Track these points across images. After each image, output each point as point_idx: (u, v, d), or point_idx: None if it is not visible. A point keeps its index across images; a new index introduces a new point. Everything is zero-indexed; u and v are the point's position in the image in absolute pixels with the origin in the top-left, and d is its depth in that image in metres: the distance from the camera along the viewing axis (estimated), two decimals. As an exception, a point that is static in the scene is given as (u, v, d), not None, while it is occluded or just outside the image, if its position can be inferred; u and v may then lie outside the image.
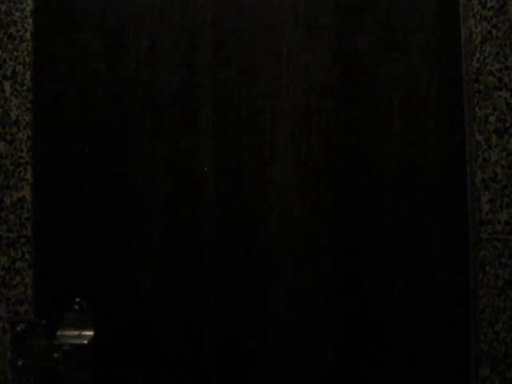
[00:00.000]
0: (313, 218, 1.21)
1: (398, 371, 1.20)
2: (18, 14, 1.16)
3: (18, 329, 1.12)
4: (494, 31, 1.19)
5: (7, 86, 1.15)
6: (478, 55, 1.19)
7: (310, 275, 1.20)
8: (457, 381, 1.20)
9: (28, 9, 1.16)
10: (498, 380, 1.15)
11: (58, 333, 1.13)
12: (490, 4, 1.19)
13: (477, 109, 1.19)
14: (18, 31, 1.16)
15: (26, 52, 1.16)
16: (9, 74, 1.15)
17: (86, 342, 1.12)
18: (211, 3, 1.22)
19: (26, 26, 1.16)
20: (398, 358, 1.20)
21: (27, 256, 1.14)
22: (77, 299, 1.15)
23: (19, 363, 1.10)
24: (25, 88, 1.16)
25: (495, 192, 1.17)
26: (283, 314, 1.20)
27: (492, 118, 1.18)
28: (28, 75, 1.16)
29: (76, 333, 1.14)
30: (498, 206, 1.17)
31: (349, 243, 1.21)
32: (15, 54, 1.16)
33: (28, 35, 1.16)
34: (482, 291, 1.17)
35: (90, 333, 1.14)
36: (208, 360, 1.19)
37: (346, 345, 1.20)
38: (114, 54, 1.21)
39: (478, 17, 1.19)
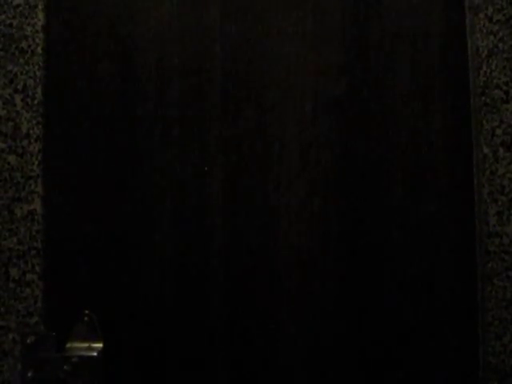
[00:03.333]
0: (321, 231, 1.21)
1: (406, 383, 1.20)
2: (29, 28, 1.17)
3: (28, 341, 1.12)
4: (500, 45, 1.19)
5: (18, 99, 1.16)
6: (484, 68, 1.20)
7: (318, 286, 1.21)
8: (465, 393, 1.20)
9: (39, 24, 1.17)
10: (506, 393, 1.15)
11: (68, 345, 1.13)
12: (496, 18, 1.20)
13: (484, 122, 1.19)
14: (30, 46, 1.17)
15: (37, 66, 1.17)
16: (20, 87, 1.16)
17: (95, 354, 1.12)
18: (220, 17, 1.23)
19: (37, 40, 1.17)
20: (405, 370, 1.20)
21: (37, 268, 1.14)
22: (86, 311, 1.16)
23: (29, 375, 1.10)
24: (36, 102, 1.16)
25: (502, 204, 1.18)
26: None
27: (499, 131, 1.19)
28: (39, 89, 1.17)
29: (85, 345, 1.14)
30: (505, 219, 1.17)
31: (356, 258, 1.21)
32: (26, 68, 1.17)
33: (39, 49, 1.17)
34: (490, 304, 1.17)
35: (100, 345, 1.14)
36: (219, 368, 1.20)
37: (352, 360, 1.20)
38: (124, 69, 1.21)
39: (485, 30, 1.20)
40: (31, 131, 1.16)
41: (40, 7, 1.17)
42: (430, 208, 1.22)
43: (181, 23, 1.23)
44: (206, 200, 1.21)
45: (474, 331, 1.19)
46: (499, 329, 1.16)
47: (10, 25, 1.17)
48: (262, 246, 1.21)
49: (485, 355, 1.17)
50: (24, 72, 1.17)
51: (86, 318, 1.15)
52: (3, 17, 1.16)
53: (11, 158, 1.16)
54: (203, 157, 1.22)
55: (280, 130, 1.23)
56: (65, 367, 1.10)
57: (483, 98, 1.19)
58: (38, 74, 1.17)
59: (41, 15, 1.18)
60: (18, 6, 1.17)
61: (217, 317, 1.20)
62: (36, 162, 1.16)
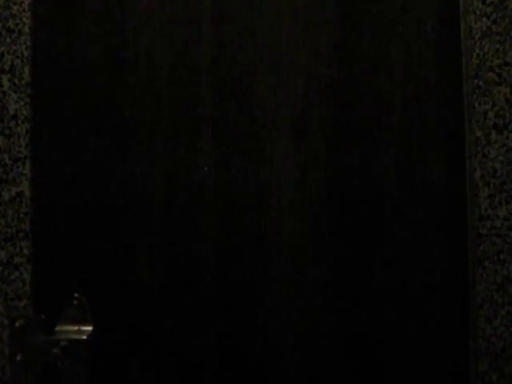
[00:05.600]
0: (312, 220, 1.21)
1: (397, 366, 1.20)
2: (15, 7, 1.14)
3: (17, 324, 1.10)
4: (493, 27, 1.18)
5: (5, 80, 1.14)
6: (477, 51, 1.18)
7: (309, 272, 1.20)
8: (455, 376, 1.20)
9: (26, 2, 1.14)
10: (496, 375, 1.15)
11: (57, 328, 1.11)
12: (489, -1, 1.19)
13: (476, 104, 1.18)
14: (17, 25, 1.14)
15: (24, 46, 1.14)
16: (7, 68, 1.14)
17: (84, 337, 1.10)
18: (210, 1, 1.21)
19: (24, 19, 1.14)
20: (396, 353, 1.20)
21: (25, 251, 1.13)
22: (75, 294, 1.14)
23: (18, 359, 1.09)
24: (23, 82, 1.14)
25: (494, 188, 1.17)
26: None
27: (491, 114, 1.18)
28: (26, 69, 1.14)
29: (75, 328, 1.12)
30: (497, 202, 1.17)
31: (348, 241, 1.21)
32: (13, 47, 1.14)
33: (26, 29, 1.14)
34: (481, 287, 1.16)
35: (89, 328, 1.12)
36: (207, 354, 1.19)
37: (345, 343, 1.20)
38: (113, 49, 1.19)
39: (478, 12, 1.18)
40: (19, 112, 1.14)
41: (27, -15, 1.15)
42: (422, 192, 1.21)
43: (171, 4, 1.20)
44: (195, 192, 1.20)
45: (464, 314, 1.19)
46: (490, 312, 1.16)
47: (-4, 3, 1.15)
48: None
49: (475, 338, 1.17)
50: (11, 52, 1.14)
51: (75, 301, 1.14)
52: (-11, -5, 1.14)
53: (-2, 140, 1.14)
54: (194, 146, 1.20)
55: (271, 115, 1.21)
56: (54, 351, 1.09)
57: (476, 81, 1.18)
58: (25, 53, 1.14)
59: (28, -7, 1.15)
60: (4, -17, 1.14)
61: (208, 288, 1.19)
62: (23, 144, 1.14)
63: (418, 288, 1.20)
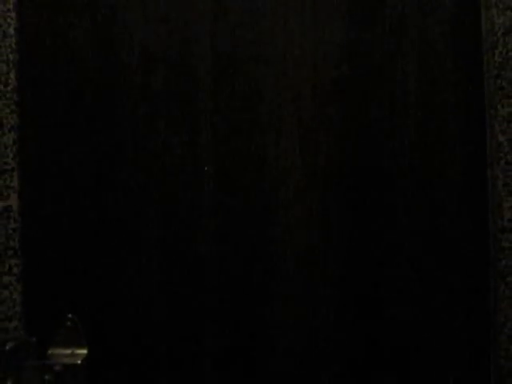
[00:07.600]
0: (320, 226, 1.14)
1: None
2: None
3: (7, 347, 1.04)
4: (518, 22, 1.13)
5: (-11, 86, 1.09)
6: (500, 48, 1.12)
7: (317, 274, 1.15)
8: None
9: (11, 1, 1.08)
10: (520, 398, 1.09)
11: (50, 351, 1.06)
12: (514, -9, 1.13)
13: (499, 107, 1.12)
14: (1, 26, 1.08)
15: (9, 49, 1.08)
16: (-9, 72, 1.09)
17: (79, 361, 1.05)
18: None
19: (9, 20, 1.08)
20: (414, 374, 1.14)
21: (15, 269, 1.08)
22: (69, 315, 1.08)
23: (8, 384, 1.04)
24: (9, 88, 1.09)
25: (518, 197, 1.11)
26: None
27: (516, 117, 1.13)
28: (12, 74, 1.09)
29: (68, 351, 1.07)
30: (521, 213, 1.10)
31: (360, 255, 1.15)
32: (-2, 51, 1.09)
33: (11, 30, 1.09)
34: (503, 304, 1.11)
35: (84, 351, 1.07)
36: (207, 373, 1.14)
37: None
38: (105, 52, 1.13)
39: (501, 5, 1.12)
40: (5, 121, 1.09)
41: (11, -18, 1.09)
42: (440, 201, 1.15)
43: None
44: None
45: (485, 333, 1.14)
46: (513, 330, 1.10)
47: (-22, 3, 1.09)
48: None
49: (497, 358, 1.11)
50: (-5, 55, 1.09)
51: (68, 323, 1.09)
52: (-30, -6, 1.09)
53: (-16, 151, 1.09)
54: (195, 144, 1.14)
55: (276, 118, 1.15)
56: (46, 377, 1.03)
57: (498, 81, 1.12)
58: (10, 57, 1.09)
59: (12, -8, 1.10)
60: (-14, -19, 1.09)
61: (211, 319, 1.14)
62: (11, 155, 1.09)
63: (436, 308, 1.14)
